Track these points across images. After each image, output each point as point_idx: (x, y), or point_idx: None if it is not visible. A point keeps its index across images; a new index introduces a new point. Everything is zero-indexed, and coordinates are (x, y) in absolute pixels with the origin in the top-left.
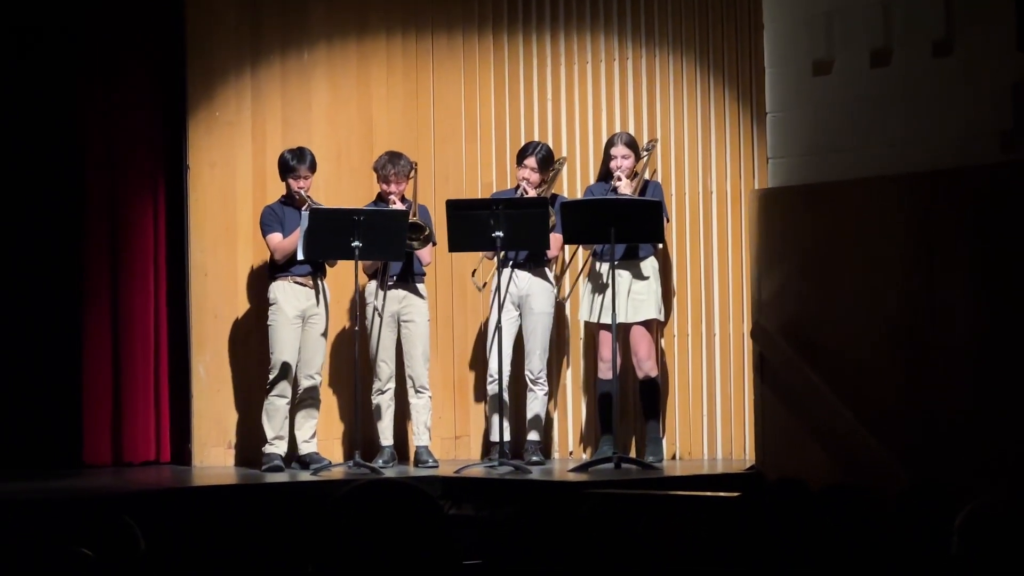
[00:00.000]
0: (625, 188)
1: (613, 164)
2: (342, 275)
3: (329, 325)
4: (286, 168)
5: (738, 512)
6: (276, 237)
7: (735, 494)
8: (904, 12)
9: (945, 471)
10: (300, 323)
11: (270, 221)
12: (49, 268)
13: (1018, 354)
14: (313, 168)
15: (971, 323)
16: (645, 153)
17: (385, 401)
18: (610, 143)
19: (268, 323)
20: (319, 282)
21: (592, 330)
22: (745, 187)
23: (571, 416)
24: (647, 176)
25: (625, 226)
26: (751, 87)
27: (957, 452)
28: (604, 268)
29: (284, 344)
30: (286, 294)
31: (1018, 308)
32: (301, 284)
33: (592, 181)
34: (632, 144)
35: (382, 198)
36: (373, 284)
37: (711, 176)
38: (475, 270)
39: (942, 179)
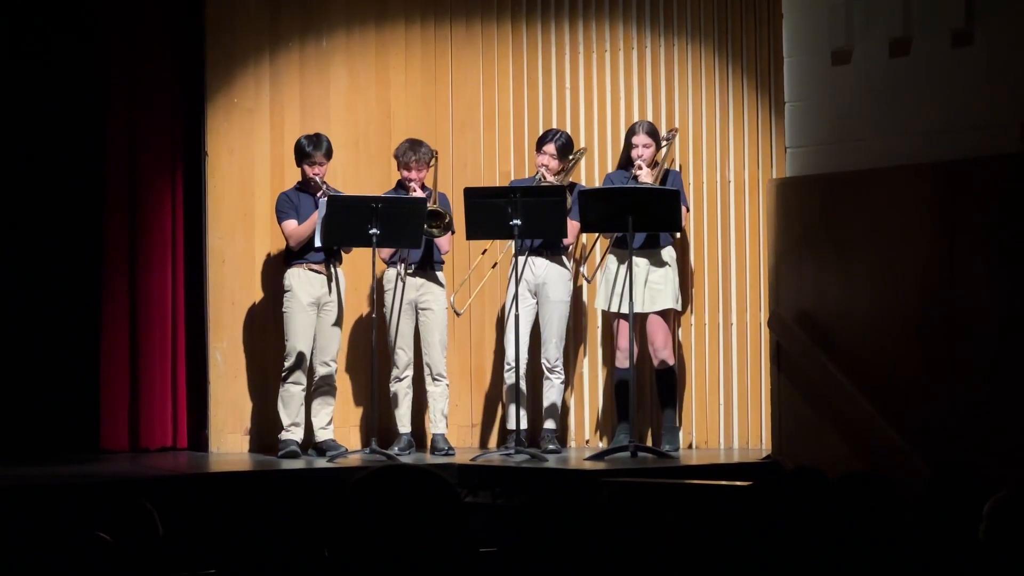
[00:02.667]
0: (646, 177)
1: (634, 153)
2: (359, 262)
3: (346, 312)
4: (302, 154)
5: (755, 501)
6: (291, 224)
7: (747, 483)
8: (924, 1)
9: (964, 461)
10: (315, 310)
11: (285, 208)
12: (68, 254)
13: None
14: (329, 155)
15: (991, 312)
16: (665, 142)
17: (403, 389)
18: (631, 131)
19: (283, 310)
20: (333, 269)
21: (609, 319)
22: (763, 176)
23: (588, 404)
24: (667, 165)
25: (643, 215)
26: (770, 76)
27: (977, 441)
28: (622, 256)
29: (299, 331)
30: (300, 281)
31: None
32: (316, 271)
33: (610, 170)
34: (653, 133)
35: (402, 185)
36: (392, 271)
37: (729, 165)
38: (453, 295)
39: (962, 169)
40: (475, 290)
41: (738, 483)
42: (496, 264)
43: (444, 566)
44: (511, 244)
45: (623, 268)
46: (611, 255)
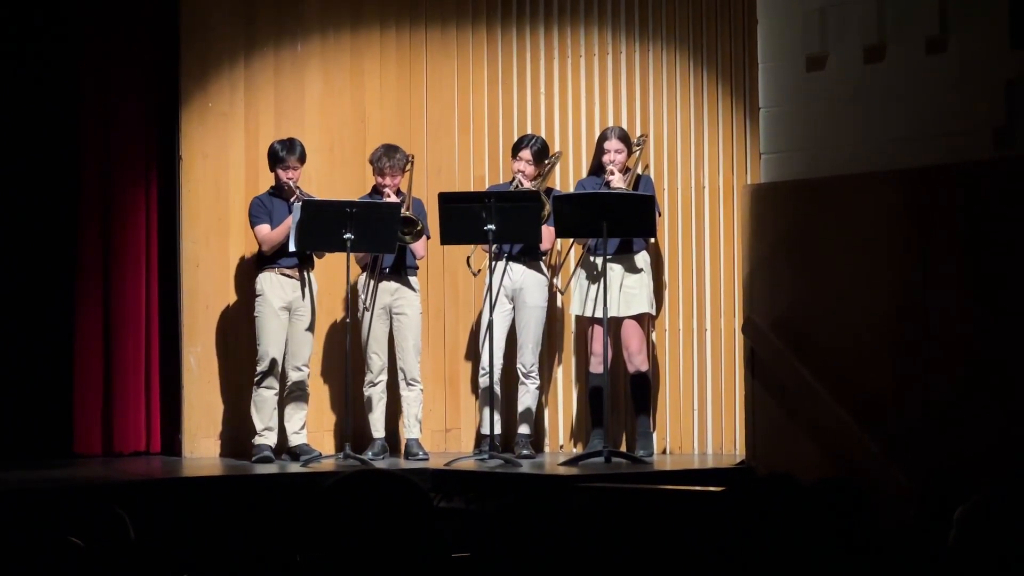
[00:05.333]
0: (618, 182)
1: (606, 158)
2: (333, 267)
3: (320, 317)
4: (275, 159)
5: (727, 506)
6: (264, 228)
7: (720, 488)
8: (898, 8)
9: (936, 467)
10: (287, 315)
11: (258, 212)
12: (42, 258)
13: (1010, 349)
14: (303, 159)
15: (964, 318)
16: (636, 148)
17: (376, 393)
18: (603, 137)
19: (255, 315)
20: (306, 274)
21: (583, 324)
22: (738, 182)
23: (562, 410)
24: (639, 171)
25: (617, 220)
26: (744, 82)
27: (949, 447)
28: (597, 262)
29: (271, 336)
30: (272, 285)
31: (1010, 304)
32: (288, 276)
33: (584, 175)
34: (625, 138)
35: (377, 190)
36: (365, 275)
37: (703, 171)
38: (469, 256)
39: (935, 175)
40: (482, 259)
41: (711, 488)
42: (478, 271)
43: (416, 571)
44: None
45: (598, 274)
46: (586, 260)
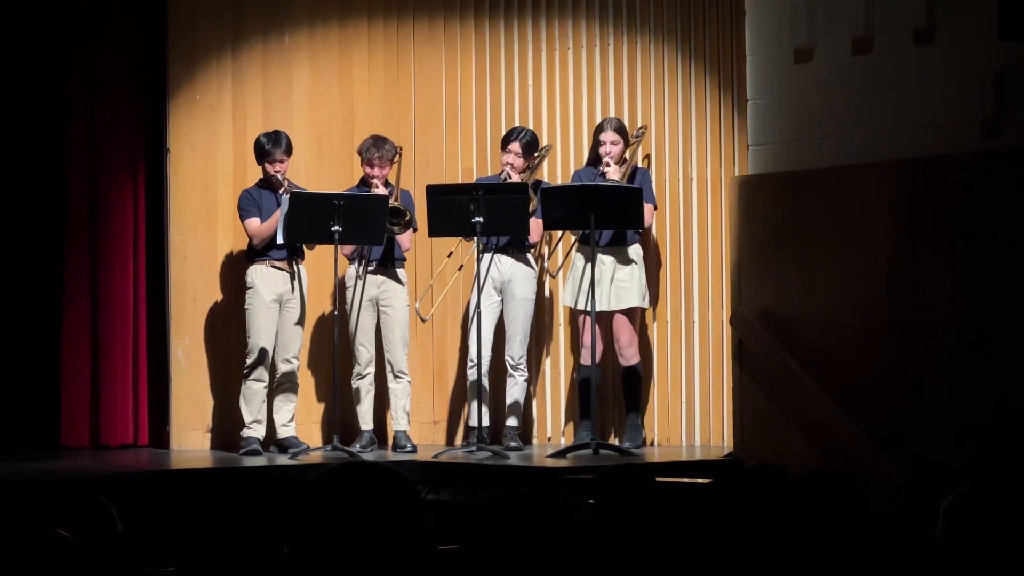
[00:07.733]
0: (614, 174)
1: (602, 150)
2: (322, 259)
3: (309, 309)
4: (262, 152)
5: (715, 498)
6: (254, 222)
7: (707, 480)
8: (886, 0)
9: (924, 457)
10: (277, 307)
11: (248, 205)
12: (29, 250)
13: (999, 340)
14: (289, 151)
15: (952, 310)
16: (634, 139)
17: (364, 386)
18: (600, 128)
19: (245, 307)
20: (296, 266)
21: (575, 316)
22: (726, 174)
23: (550, 402)
24: (638, 163)
25: (605, 212)
26: (733, 74)
27: (938, 437)
28: (588, 253)
29: (261, 328)
30: (263, 278)
31: (999, 294)
32: (278, 268)
33: (574, 167)
34: (621, 130)
35: (365, 182)
36: (353, 268)
37: (692, 163)
38: (419, 301)
39: (923, 167)
40: (439, 296)
41: (699, 480)
42: (462, 267)
43: (404, 564)
44: (475, 248)
45: (589, 265)
46: (577, 253)
